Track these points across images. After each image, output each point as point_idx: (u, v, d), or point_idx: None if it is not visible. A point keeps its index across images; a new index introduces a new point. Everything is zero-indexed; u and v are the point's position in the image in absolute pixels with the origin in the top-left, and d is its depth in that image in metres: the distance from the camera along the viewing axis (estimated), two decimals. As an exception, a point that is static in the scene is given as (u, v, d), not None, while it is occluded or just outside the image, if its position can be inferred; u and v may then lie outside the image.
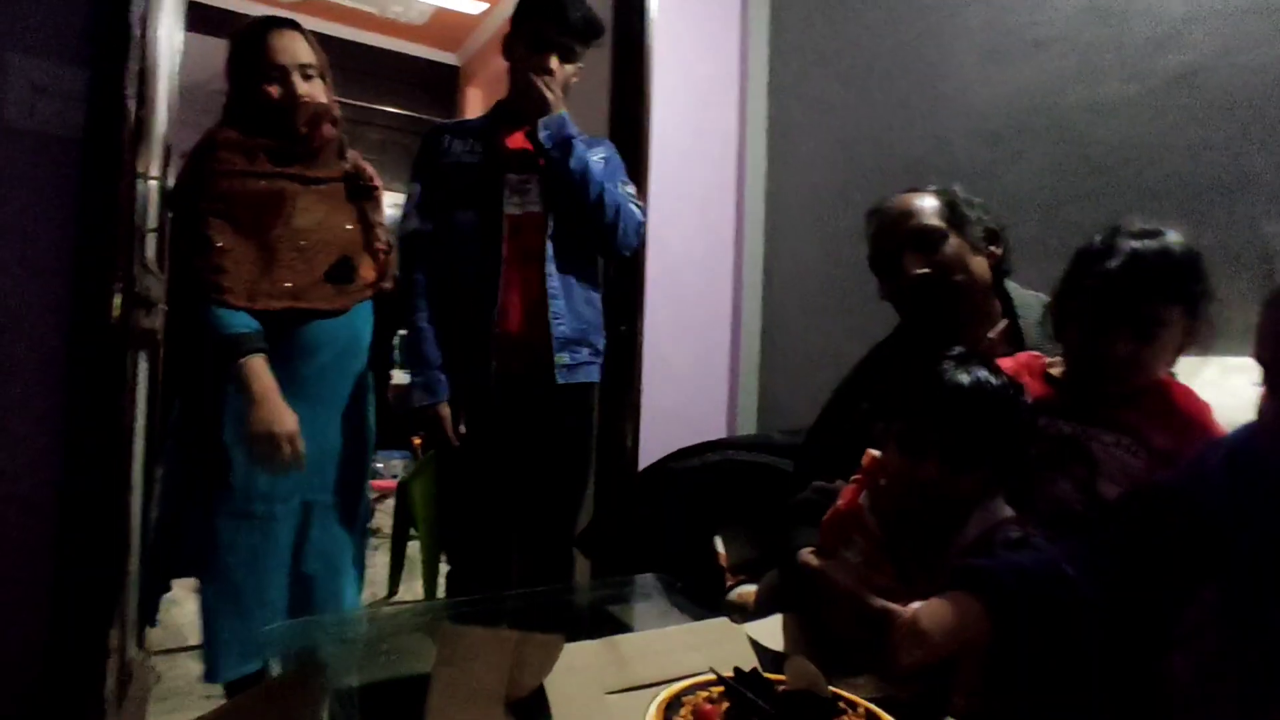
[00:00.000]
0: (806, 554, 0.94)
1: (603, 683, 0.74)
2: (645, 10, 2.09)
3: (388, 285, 1.63)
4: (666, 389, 2.19)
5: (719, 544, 1.52)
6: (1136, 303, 0.87)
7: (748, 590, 1.43)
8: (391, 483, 3.53)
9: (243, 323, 1.40)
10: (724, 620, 0.86)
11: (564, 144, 1.61)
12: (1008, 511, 0.87)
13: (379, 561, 3.09)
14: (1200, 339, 0.88)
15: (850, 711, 0.62)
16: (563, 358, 1.66)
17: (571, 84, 1.71)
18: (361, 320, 1.57)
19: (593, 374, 1.74)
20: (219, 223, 1.42)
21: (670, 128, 2.23)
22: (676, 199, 2.25)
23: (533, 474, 1.70)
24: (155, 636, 2.22)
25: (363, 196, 1.60)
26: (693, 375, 2.28)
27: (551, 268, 1.66)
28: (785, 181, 2.35)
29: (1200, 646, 0.72)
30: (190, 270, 1.42)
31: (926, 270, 1.20)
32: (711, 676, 0.65)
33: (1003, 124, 1.75)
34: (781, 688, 0.64)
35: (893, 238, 1.25)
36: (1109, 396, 0.90)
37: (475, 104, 5.34)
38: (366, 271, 1.56)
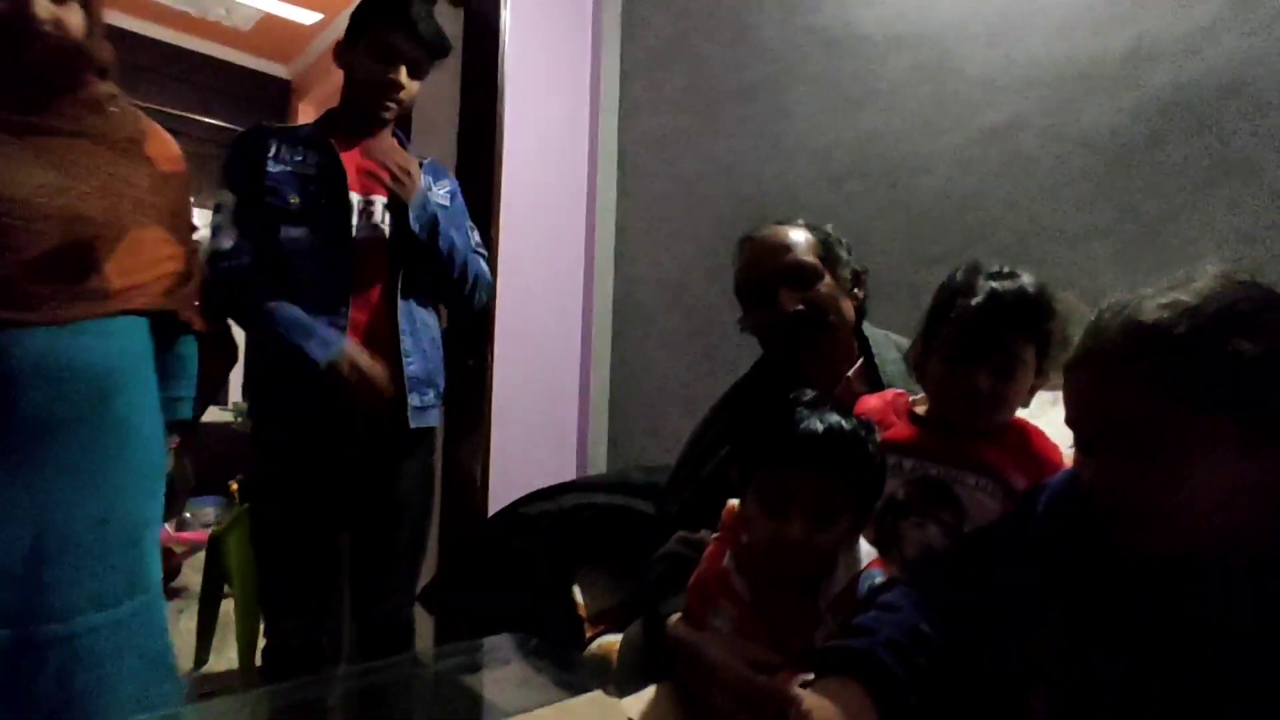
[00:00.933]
0: (676, 625, 0.89)
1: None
2: (498, 44, 2.03)
3: (191, 321, 1.26)
4: (515, 427, 2.10)
5: (577, 593, 1.44)
6: (997, 339, 0.90)
7: (609, 641, 1.36)
8: (202, 534, 3.13)
9: None
10: (598, 695, 0.79)
11: (431, 225, 1.51)
12: (869, 553, 0.87)
13: (184, 626, 2.73)
14: (1047, 377, 0.93)
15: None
16: (413, 399, 1.52)
17: (414, 102, 1.60)
18: (129, 345, 1.12)
19: (436, 417, 1.63)
20: None
21: (521, 163, 2.17)
22: (527, 234, 2.18)
23: (371, 526, 1.55)
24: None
25: (143, 169, 1.17)
26: (542, 412, 2.20)
27: (398, 299, 1.52)
28: (635, 217, 2.35)
29: (1053, 683, 0.74)
30: None
31: (802, 307, 1.18)
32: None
33: (842, 168, 1.84)
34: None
35: (768, 269, 1.23)
36: (972, 434, 0.93)
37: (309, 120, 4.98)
38: (126, 272, 1.11)
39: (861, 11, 1.82)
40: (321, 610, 1.52)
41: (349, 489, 1.51)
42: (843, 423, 0.82)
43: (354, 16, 1.53)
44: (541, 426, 2.19)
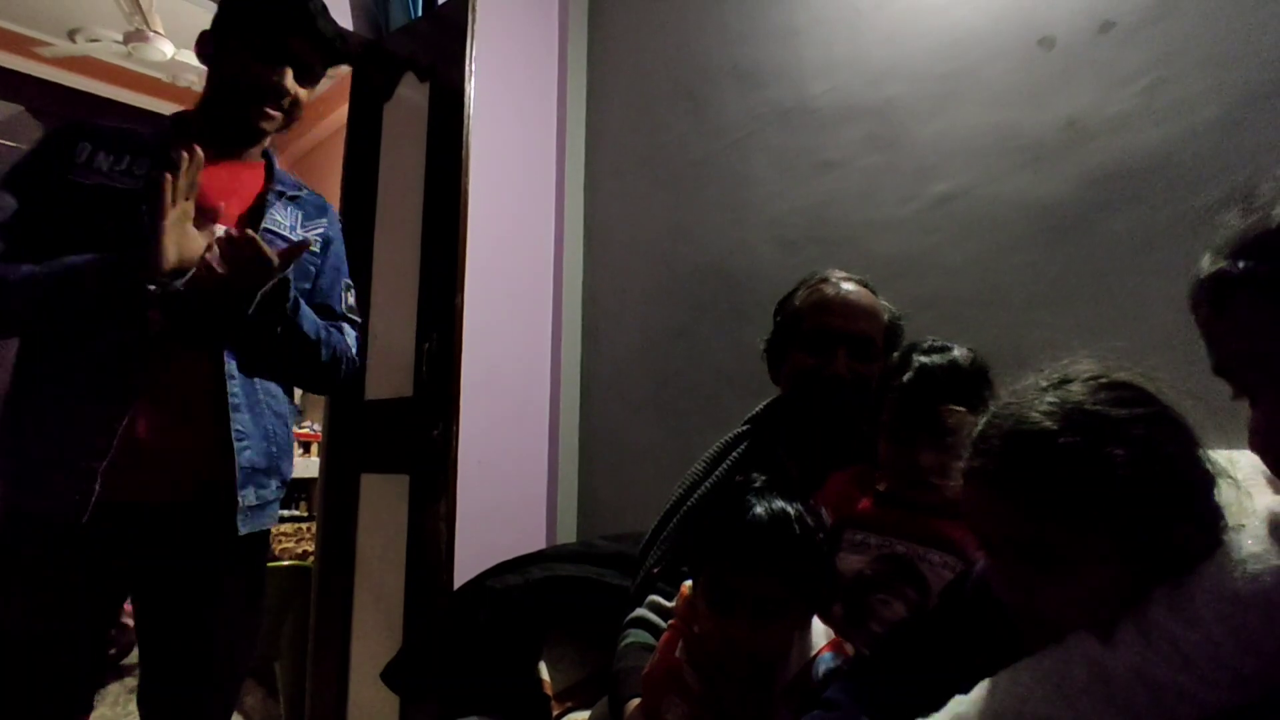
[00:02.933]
0: (632, 716, 0.88)
1: None
2: (464, 107, 2.07)
3: None
4: (483, 495, 2.08)
5: (543, 670, 1.41)
6: (932, 414, 0.92)
7: (577, 718, 1.33)
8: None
9: None
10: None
11: (290, 315, 1.18)
12: (823, 635, 0.87)
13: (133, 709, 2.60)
14: None
15: None
16: (248, 496, 1.17)
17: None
18: None
19: (274, 517, 1.28)
20: None
21: (488, 226, 2.20)
22: (493, 298, 2.20)
23: (172, 654, 1.21)
24: None
25: None
26: (510, 480, 2.18)
27: (233, 365, 1.17)
28: (602, 280, 2.38)
29: None
30: None
31: (851, 377, 1.17)
32: None
33: (798, 233, 1.89)
34: None
35: (840, 325, 1.21)
36: (932, 510, 0.94)
37: (275, 181, 5.02)
38: None
39: (814, 86, 1.90)
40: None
41: (145, 606, 1.20)
42: (787, 511, 0.81)
43: (231, 2, 1.23)
44: (509, 494, 2.17)
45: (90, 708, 1.19)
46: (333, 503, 2.19)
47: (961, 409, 0.92)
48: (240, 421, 1.17)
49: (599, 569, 1.50)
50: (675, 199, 2.20)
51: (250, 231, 1.09)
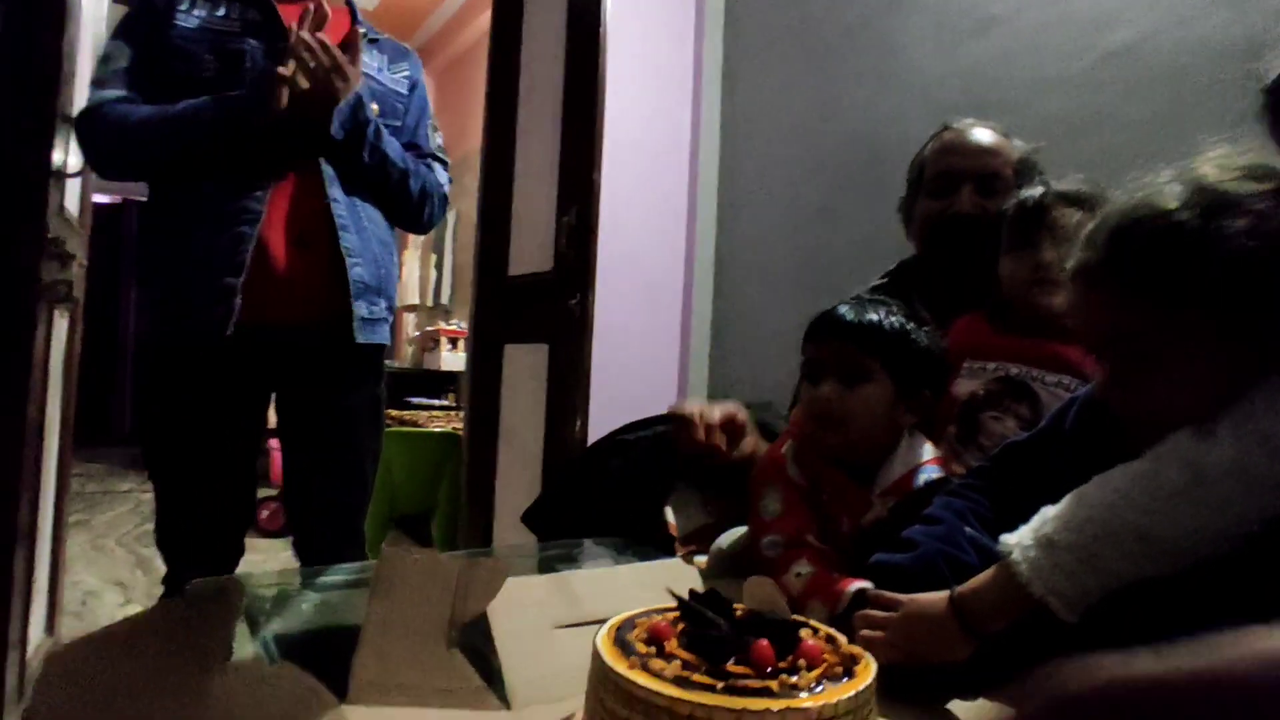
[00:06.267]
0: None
1: (551, 617, 0.71)
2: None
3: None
4: (616, 364, 2.16)
5: (669, 513, 1.49)
6: (1048, 219, 0.92)
7: (699, 561, 1.40)
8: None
9: None
10: (677, 560, 0.84)
11: (356, 134, 1.28)
12: (930, 452, 0.89)
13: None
14: None
15: (813, 634, 0.60)
16: (360, 308, 1.31)
17: None
18: None
19: (386, 334, 1.41)
20: None
21: (625, 105, 2.20)
22: (630, 176, 2.22)
23: (307, 469, 1.38)
24: (70, 627, 2.08)
25: None
26: (643, 351, 2.25)
27: (336, 190, 1.29)
28: (739, 158, 2.35)
29: None
30: None
31: (977, 213, 1.14)
32: (669, 603, 0.62)
33: (953, 99, 1.77)
34: (740, 609, 0.61)
35: (962, 164, 1.18)
36: (1050, 333, 0.92)
37: (430, 91, 5.24)
38: None
39: (977, -66, 1.74)
40: (228, 562, 1.35)
41: (284, 418, 1.38)
42: (878, 310, 0.87)
43: None
44: (642, 364, 2.24)
45: (242, 548, 1.38)
46: (479, 371, 2.36)
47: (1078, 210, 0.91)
48: (348, 240, 1.30)
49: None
50: (823, 71, 2.10)
51: (321, 35, 1.19)
